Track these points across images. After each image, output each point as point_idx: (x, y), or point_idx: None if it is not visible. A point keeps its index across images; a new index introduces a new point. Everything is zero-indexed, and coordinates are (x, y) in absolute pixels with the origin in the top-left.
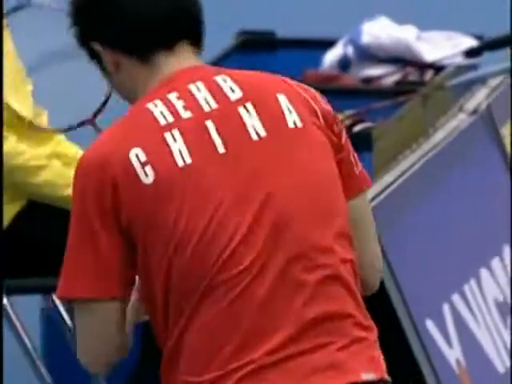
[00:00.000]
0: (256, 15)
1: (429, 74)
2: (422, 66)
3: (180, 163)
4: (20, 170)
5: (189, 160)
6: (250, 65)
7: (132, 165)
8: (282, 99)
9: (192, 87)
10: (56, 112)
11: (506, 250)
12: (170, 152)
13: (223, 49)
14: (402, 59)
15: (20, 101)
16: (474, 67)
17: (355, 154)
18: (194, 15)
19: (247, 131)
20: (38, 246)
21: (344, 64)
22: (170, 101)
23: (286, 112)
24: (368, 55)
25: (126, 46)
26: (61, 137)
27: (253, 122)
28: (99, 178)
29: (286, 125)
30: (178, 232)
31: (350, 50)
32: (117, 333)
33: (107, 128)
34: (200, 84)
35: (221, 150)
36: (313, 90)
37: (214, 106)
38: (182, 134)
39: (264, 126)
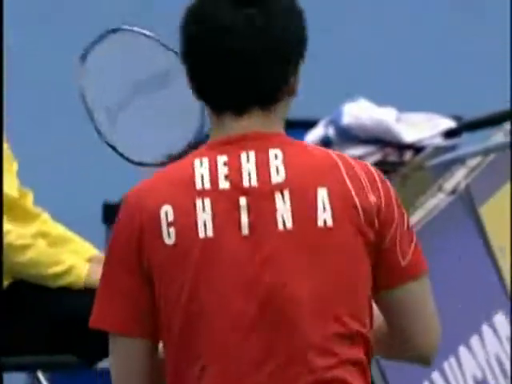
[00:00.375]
0: None
1: (408, 155)
2: (402, 147)
3: (201, 235)
4: (6, 249)
5: (211, 234)
6: None
7: (160, 221)
8: (322, 194)
9: (243, 156)
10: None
11: (486, 328)
12: (196, 221)
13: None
14: (382, 140)
15: (7, 181)
16: (452, 148)
17: (411, 242)
18: (268, 83)
19: (275, 219)
20: (22, 323)
21: (325, 144)
22: (216, 164)
23: (320, 209)
24: (349, 136)
25: (201, 95)
26: (46, 216)
27: (283, 212)
28: (131, 222)
29: (315, 223)
30: (181, 301)
31: (331, 131)
32: (143, 373)
33: (154, 173)
34: (252, 154)
35: (245, 231)
36: (369, 175)
37: (254, 183)
38: (212, 204)
39: (293, 218)
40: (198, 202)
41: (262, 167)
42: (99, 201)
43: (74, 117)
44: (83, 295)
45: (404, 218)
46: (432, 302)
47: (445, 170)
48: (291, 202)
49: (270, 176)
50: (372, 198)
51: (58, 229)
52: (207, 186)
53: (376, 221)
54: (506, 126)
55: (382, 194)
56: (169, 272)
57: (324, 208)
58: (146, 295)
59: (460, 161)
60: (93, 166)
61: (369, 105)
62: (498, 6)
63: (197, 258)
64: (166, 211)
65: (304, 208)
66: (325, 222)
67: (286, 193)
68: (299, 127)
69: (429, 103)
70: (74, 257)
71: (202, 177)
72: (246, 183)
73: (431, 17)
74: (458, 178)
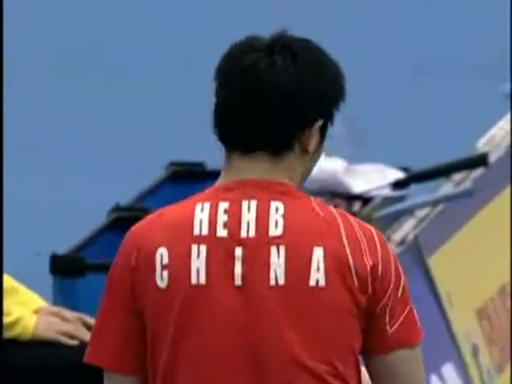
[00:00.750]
0: (186, 146)
1: (357, 206)
2: (350, 198)
3: (194, 281)
4: None
5: (203, 281)
6: (179, 196)
7: (155, 263)
8: (318, 253)
9: (245, 205)
10: None
11: (434, 378)
12: (189, 267)
13: (155, 180)
14: (331, 191)
15: None
16: (401, 198)
17: (403, 311)
18: (275, 132)
19: (268, 273)
20: None
21: None
22: (216, 211)
23: (314, 268)
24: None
25: (217, 130)
26: None
27: (277, 267)
28: (127, 260)
29: (307, 282)
30: (167, 343)
31: None
32: None
33: (155, 213)
34: (253, 204)
35: (237, 282)
36: (369, 239)
37: (252, 234)
38: (208, 251)
39: (286, 274)
40: (194, 248)
41: (262, 219)
42: (47, 252)
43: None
44: (30, 347)
45: (401, 284)
46: (421, 373)
47: (393, 221)
48: (286, 258)
49: (268, 228)
50: (369, 263)
51: (6, 280)
52: (205, 232)
53: (370, 287)
54: (455, 176)
55: (379, 259)
56: (158, 314)
57: (318, 268)
58: (140, 333)
59: (408, 211)
60: (41, 217)
61: None
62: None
63: (185, 304)
64: (162, 253)
65: (298, 265)
66: (317, 282)
67: (282, 248)
68: None
69: (377, 154)
70: (22, 308)
71: (201, 222)
72: (243, 233)
73: (382, 75)
74: (406, 228)
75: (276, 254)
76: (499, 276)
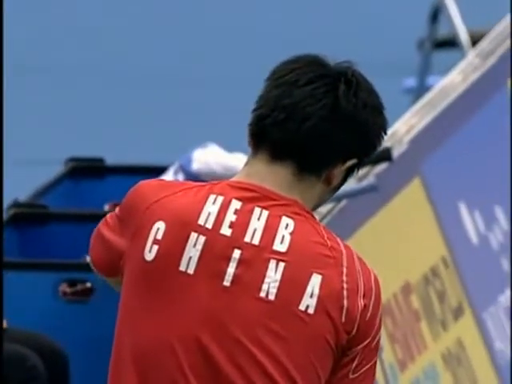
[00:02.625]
0: (85, 142)
1: None
2: None
3: (182, 268)
4: None
5: (191, 271)
6: (79, 191)
7: (149, 232)
8: (314, 281)
9: (256, 211)
10: None
11: None
12: (182, 252)
13: (54, 176)
14: None
15: None
16: None
17: (369, 362)
18: (322, 146)
19: (261, 285)
20: None
21: None
22: (227, 208)
23: (307, 294)
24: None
25: (255, 125)
26: None
27: (271, 281)
28: (142, 202)
29: (297, 306)
30: (129, 314)
31: (181, 177)
32: None
33: (178, 182)
34: (265, 214)
35: (227, 282)
36: (367, 282)
37: (256, 242)
38: (205, 245)
39: (278, 292)
40: (193, 235)
41: (270, 231)
42: None
43: None
44: None
45: (378, 334)
46: None
47: None
48: (282, 276)
49: (273, 241)
50: (361, 305)
51: None
52: (209, 225)
53: (355, 329)
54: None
55: (371, 304)
56: (135, 283)
57: (312, 294)
58: (120, 258)
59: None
60: None
61: (219, 150)
62: None
63: (164, 285)
64: (159, 228)
65: (292, 286)
66: (307, 308)
67: (282, 265)
68: (148, 173)
69: None
70: None
71: (209, 215)
72: (247, 238)
73: None
74: None
75: (274, 269)
76: (402, 273)
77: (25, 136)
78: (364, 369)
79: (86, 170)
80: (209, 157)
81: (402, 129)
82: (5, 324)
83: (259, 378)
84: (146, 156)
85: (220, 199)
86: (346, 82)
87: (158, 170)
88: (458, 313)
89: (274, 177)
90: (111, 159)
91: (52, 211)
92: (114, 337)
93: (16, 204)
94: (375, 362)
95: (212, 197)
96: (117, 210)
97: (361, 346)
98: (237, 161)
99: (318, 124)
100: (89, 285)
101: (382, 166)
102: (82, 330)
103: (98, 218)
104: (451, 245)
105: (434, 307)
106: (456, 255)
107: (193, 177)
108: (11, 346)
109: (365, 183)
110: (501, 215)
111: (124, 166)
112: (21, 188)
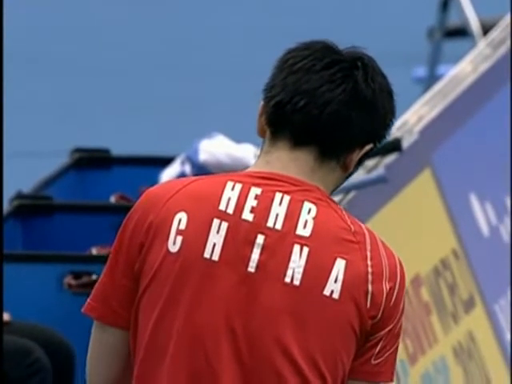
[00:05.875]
0: (91, 133)
1: None
2: None
3: (206, 255)
4: None
5: (216, 258)
6: (84, 183)
7: (170, 225)
8: (338, 266)
9: (277, 197)
10: None
11: None
12: (206, 239)
13: (59, 167)
14: None
15: None
16: None
17: (390, 349)
18: (344, 131)
19: (286, 271)
20: None
21: None
22: (247, 194)
23: (332, 279)
24: (205, 173)
25: (273, 111)
26: None
27: (296, 267)
28: (144, 213)
29: (321, 291)
30: (158, 307)
31: (188, 168)
32: (113, 362)
33: (185, 178)
34: (286, 199)
35: (251, 268)
36: (392, 264)
37: (278, 227)
38: (228, 230)
39: (302, 277)
40: (215, 222)
41: (292, 216)
42: None
43: None
44: None
45: (401, 319)
46: None
47: None
48: (306, 261)
49: (296, 226)
50: (386, 288)
51: None
52: (230, 210)
53: (379, 314)
54: (367, 162)
55: (396, 287)
56: (158, 275)
57: (336, 279)
58: (134, 293)
59: None
60: None
61: (226, 141)
62: None
63: (190, 274)
64: (180, 218)
65: (317, 271)
66: (331, 293)
67: (306, 250)
68: (154, 164)
69: None
70: None
71: (229, 200)
72: (270, 223)
73: None
74: None
75: (298, 254)
76: (412, 265)
77: (30, 127)
78: (387, 354)
79: (91, 161)
80: (216, 147)
81: (412, 119)
82: (9, 317)
83: (283, 362)
84: (153, 147)
85: (239, 186)
86: (362, 67)
87: (164, 161)
88: (468, 305)
89: (296, 163)
90: (117, 150)
91: (57, 203)
92: (136, 334)
93: (20, 195)
94: (397, 348)
95: (230, 183)
96: (114, 245)
97: (384, 331)
98: (244, 151)
99: (340, 108)
100: (94, 277)
101: (391, 157)
102: (87, 323)
103: (103, 209)
104: (462, 236)
105: (444, 300)
106: (467, 247)
107: (199, 167)
108: (15, 339)
109: (374, 174)
110: None
111: (130, 156)
112: (26, 179)
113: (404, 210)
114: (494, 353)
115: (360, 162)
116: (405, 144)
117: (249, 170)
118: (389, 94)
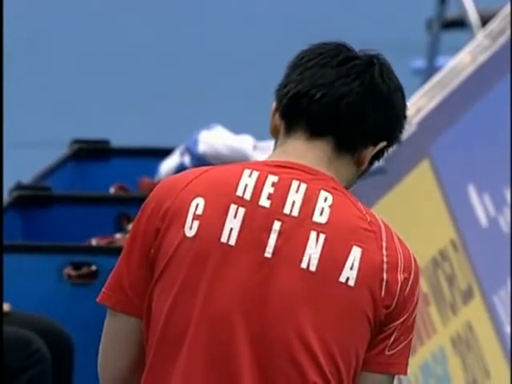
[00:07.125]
0: (90, 124)
1: None
2: None
3: (223, 239)
4: None
5: (232, 242)
6: (83, 174)
7: (187, 210)
8: (355, 253)
9: (294, 184)
10: None
11: None
12: (223, 224)
13: (59, 158)
14: None
15: None
16: None
17: (404, 340)
18: (361, 125)
19: (302, 257)
20: None
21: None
22: (264, 181)
23: (348, 266)
24: (205, 164)
25: (290, 103)
26: None
27: (312, 253)
28: (160, 201)
29: (338, 277)
30: (173, 292)
31: (187, 159)
32: (128, 352)
33: (202, 168)
34: (303, 187)
35: (268, 253)
36: (406, 255)
37: (295, 213)
38: (245, 215)
39: (319, 263)
40: (233, 207)
41: (309, 203)
42: None
43: None
44: None
45: (415, 310)
46: None
47: None
48: (323, 247)
49: (313, 213)
50: (400, 278)
51: None
52: (247, 196)
53: (394, 304)
54: None
55: (411, 277)
56: (175, 262)
57: (352, 266)
58: (148, 281)
59: None
60: None
61: (225, 132)
62: None
63: (206, 258)
64: (198, 203)
65: (333, 258)
66: (347, 280)
67: (322, 236)
68: (153, 155)
69: None
70: None
71: (246, 187)
72: (286, 210)
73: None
74: None
75: (315, 240)
76: None
77: (30, 118)
78: (401, 346)
79: (90, 152)
80: (215, 139)
81: (411, 110)
82: (9, 307)
83: (298, 346)
84: (152, 138)
85: (256, 173)
86: (378, 64)
87: (164, 152)
88: (467, 296)
89: (314, 152)
90: (116, 141)
91: (56, 194)
92: (150, 320)
93: (20, 186)
94: (411, 340)
95: (247, 171)
96: (130, 233)
97: (398, 321)
98: (242, 143)
99: (356, 101)
100: (94, 268)
101: (390, 148)
102: (87, 313)
103: (102, 200)
104: (460, 227)
105: (443, 291)
106: (465, 238)
107: (199, 158)
108: (15, 330)
109: (373, 165)
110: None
111: (129, 148)
112: (25, 170)
113: (403, 201)
114: (493, 344)
115: (372, 161)
116: (403, 135)
117: (266, 159)
118: (403, 95)
